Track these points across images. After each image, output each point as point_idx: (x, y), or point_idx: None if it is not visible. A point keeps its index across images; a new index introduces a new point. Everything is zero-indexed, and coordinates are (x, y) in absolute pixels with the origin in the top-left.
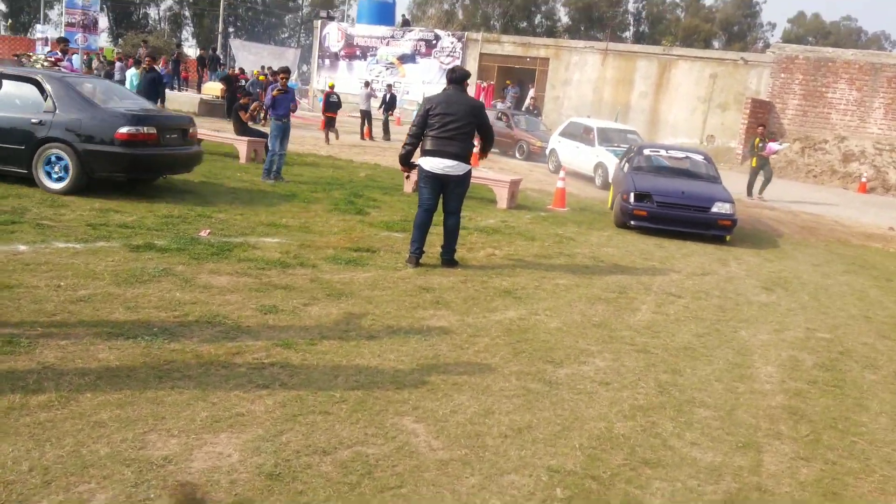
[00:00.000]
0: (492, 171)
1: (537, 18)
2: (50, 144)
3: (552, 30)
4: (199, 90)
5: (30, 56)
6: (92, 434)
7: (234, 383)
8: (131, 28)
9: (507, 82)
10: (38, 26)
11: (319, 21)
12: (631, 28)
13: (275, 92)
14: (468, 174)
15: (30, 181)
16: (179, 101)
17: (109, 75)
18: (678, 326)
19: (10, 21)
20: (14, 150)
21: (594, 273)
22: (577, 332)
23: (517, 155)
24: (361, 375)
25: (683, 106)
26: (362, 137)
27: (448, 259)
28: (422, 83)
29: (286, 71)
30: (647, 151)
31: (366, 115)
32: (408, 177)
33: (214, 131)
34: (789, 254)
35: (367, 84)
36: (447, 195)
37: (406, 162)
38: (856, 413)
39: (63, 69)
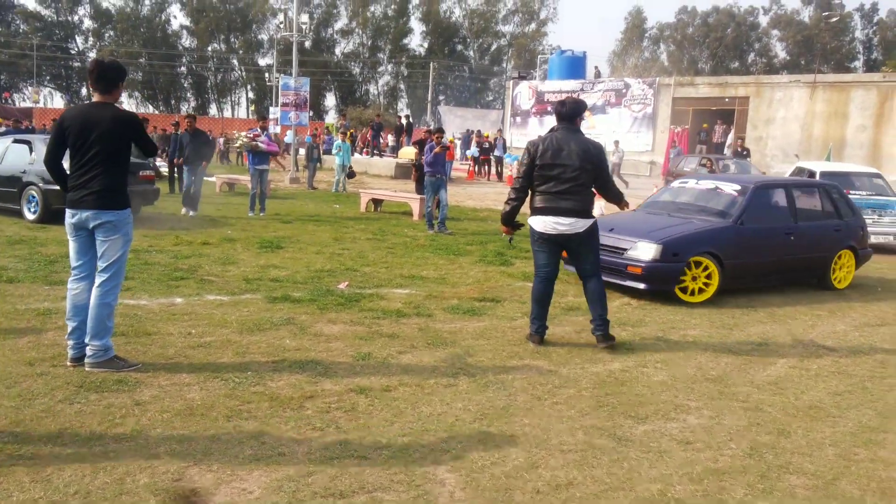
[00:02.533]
0: None
1: (750, 57)
2: (29, 187)
3: (770, 68)
4: (395, 155)
5: (234, 133)
6: (143, 465)
7: (293, 425)
8: (354, 103)
9: (704, 126)
10: (271, 108)
11: (511, 81)
12: (861, 57)
13: (437, 149)
14: (593, 228)
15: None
16: (378, 166)
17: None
18: (814, 383)
19: (254, 105)
20: (8, 191)
21: (739, 324)
22: (683, 387)
23: None
24: (419, 423)
25: None
26: None
27: (603, 333)
28: (612, 132)
29: (440, 131)
30: (675, 183)
31: None
32: (511, 240)
33: (392, 191)
34: None
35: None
36: (576, 257)
37: (510, 221)
38: None
39: (260, 143)
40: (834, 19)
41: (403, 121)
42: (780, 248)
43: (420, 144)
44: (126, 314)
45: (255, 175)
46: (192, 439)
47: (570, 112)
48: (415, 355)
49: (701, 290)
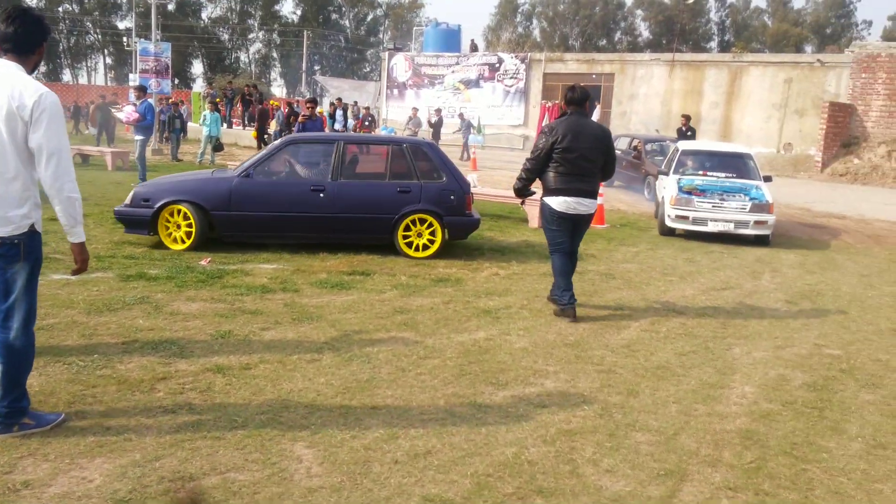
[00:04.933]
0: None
1: (617, 35)
2: None
3: (634, 46)
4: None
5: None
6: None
7: (143, 409)
8: (223, 71)
9: None
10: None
11: (387, 53)
12: (715, 38)
13: (301, 119)
14: (594, 211)
15: None
16: (249, 137)
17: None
18: (662, 345)
19: (113, 72)
20: None
21: (598, 291)
22: (542, 353)
23: (645, 193)
24: (278, 399)
25: (758, 114)
26: None
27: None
28: (487, 107)
29: (313, 101)
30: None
31: None
32: (523, 203)
33: None
34: (839, 264)
35: (414, 110)
36: (575, 234)
37: (523, 193)
38: (824, 438)
39: (121, 114)
40: (691, 1)
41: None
42: (299, 204)
43: (262, 116)
44: None
45: (138, 146)
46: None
47: (581, 97)
48: (278, 331)
49: (425, 247)
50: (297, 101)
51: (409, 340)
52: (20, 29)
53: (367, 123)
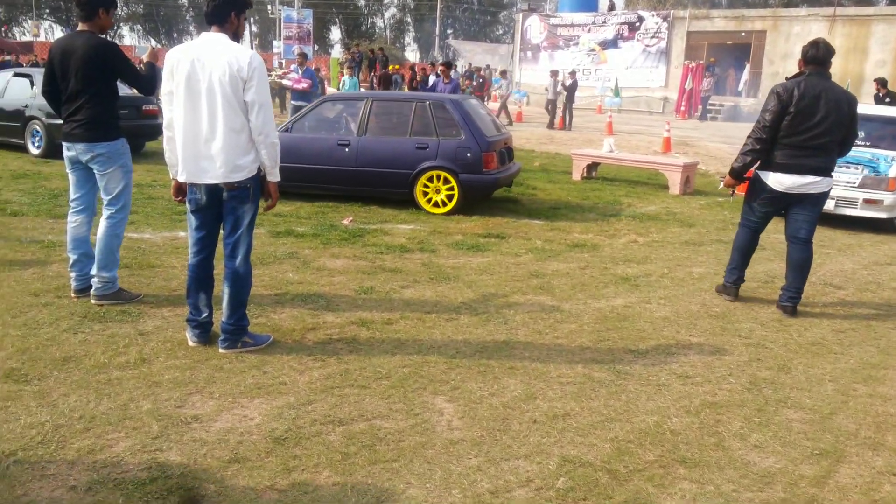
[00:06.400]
0: (665, 155)
1: None
2: (32, 121)
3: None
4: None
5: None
6: (146, 392)
7: (295, 356)
8: (360, 37)
9: (712, 60)
10: (275, 42)
11: (521, 14)
12: None
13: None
14: (829, 190)
15: None
16: None
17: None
18: (818, 320)
19: (258, 39)
20: (12, 126)
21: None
22: (685, 323)
23: None
24: (419, 354)
25: None
26: (550, 126)
27: (793, 305)
28: (625, 68)
29: (447, 64)
30: None
31: (552, 104)
32: (733, 193)
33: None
34: None
35: (553, 73)
36: (796, 217)
37: (740, 176)
38: None
39: (286, 80)
40: None
41: (380, 53)
42: (327, 158)
43: (385, 80)
44: (130, 247)
45: (293, 111)
46: (195, 368)
47: (824, 55)
48: (417, 290)
49: (445, 204)
50: (417, 65)
51: (546, 304)
52: (211, 4)
53: (474, 84)
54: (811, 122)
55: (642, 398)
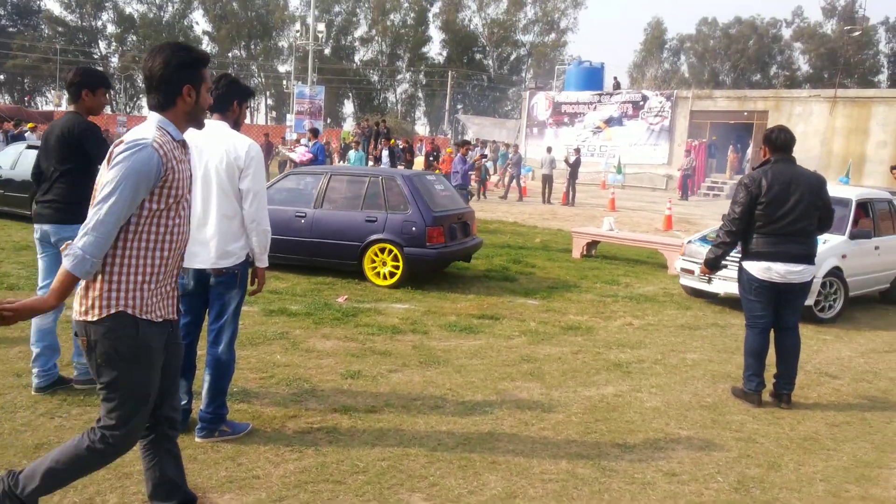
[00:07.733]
0: (664, 234)
1: (772, 69)
2: None
3: (792, 81)
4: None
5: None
6: (115, 484)
7: (272, 446)
8: (372, 111)
9: (713, 139)
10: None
11: (528, 92)
12: (885, 71)
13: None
14: (812, 279)
15: None
16: None
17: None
18: (811, 412)
19: (274, 112)
20: (20, 197)
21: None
22: (676, 414)
23: None
24: (400, 446)
25: None
26: (544, 202)
27: (788, 393)
28: (629, 145)
29: (466, 143)
30: None
31: (547, 180)
32: (710, 280)
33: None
34: None
35: (548, 150)
36: (784, 306)
37: (714, 265)
38: None
39: (294, 154)
40: (856, 33)
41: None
42: (286, 228)
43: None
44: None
45: None
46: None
47: (790, 140)
48: (405, 374)
49: (392, 275)
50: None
51: (534, 392)
52: (215, 91)
53: (431, 160)
54: (784, 208)
55: (626, 498)
